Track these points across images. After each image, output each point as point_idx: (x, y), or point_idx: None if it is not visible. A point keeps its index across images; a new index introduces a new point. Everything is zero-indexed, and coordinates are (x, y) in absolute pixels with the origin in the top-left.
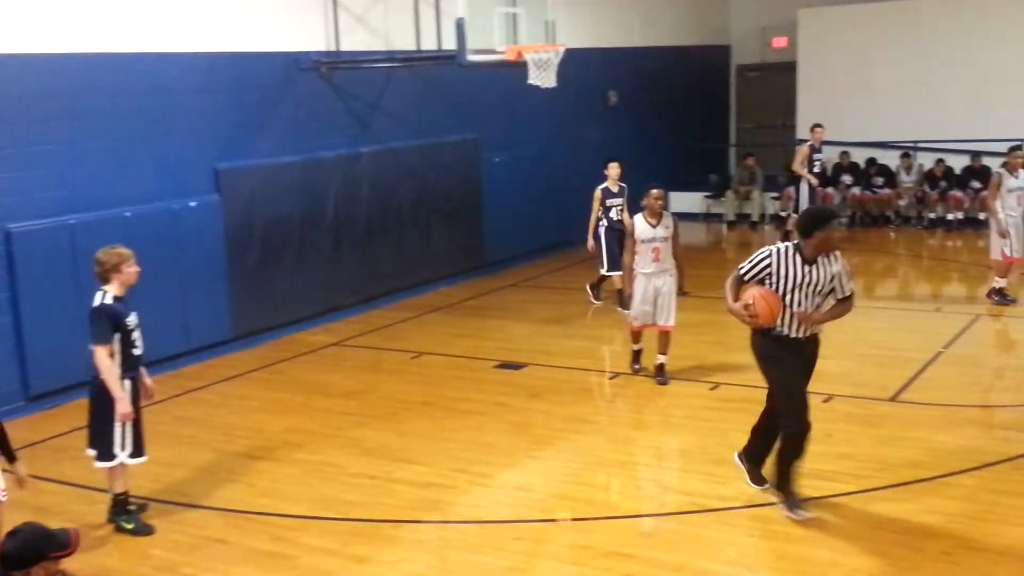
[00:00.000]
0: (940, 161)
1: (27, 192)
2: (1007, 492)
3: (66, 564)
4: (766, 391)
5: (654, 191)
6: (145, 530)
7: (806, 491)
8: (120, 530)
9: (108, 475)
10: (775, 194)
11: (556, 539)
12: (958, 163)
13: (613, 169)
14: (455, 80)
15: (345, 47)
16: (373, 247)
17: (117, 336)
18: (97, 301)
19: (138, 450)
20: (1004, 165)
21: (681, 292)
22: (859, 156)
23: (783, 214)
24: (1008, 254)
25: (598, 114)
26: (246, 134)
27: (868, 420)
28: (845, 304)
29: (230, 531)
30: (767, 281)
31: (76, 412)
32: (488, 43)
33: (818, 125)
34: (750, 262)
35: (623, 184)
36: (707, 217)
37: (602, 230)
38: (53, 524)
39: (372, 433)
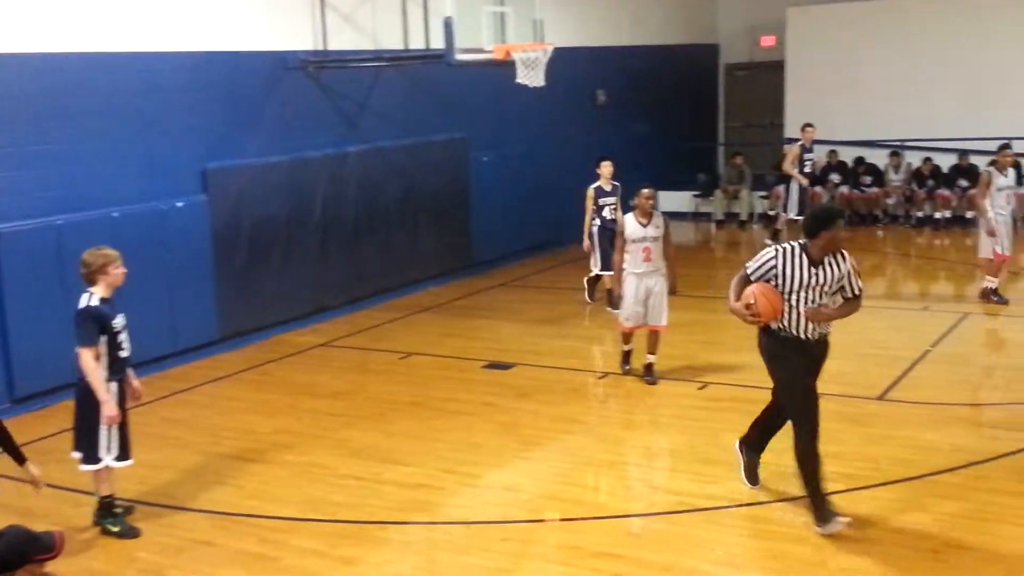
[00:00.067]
0: (928, 160)
1: (13, 192)
2: (995, 490)
3: (51, 567)
4: (772, 388)
5: (645, 191)
6: (131, 533)
7: (792, 490)
8: (106, 533)
9: (94, 478)
10: (763, 193)
11: (544, 539)
12: (946, 162)
13: (606, 168)
14: (443, 79)
15: (333, 46)
16: (361, 247)
17: (104, 338)
18: (83, 303)
19: (124, 453)
20: (993, 164)
21: (671, 292)
22: (847, 155)
23: (771, 213)
24: (999, 252)
25: (586, 113)
26: (233, 134)
27: (856, 419)
28: (855, 303)
29: (217, 533)
30: (773, 282)
31: (62, 414)
32: (476, 42)
33: (809, 125)
34: (756, 262)
35: (616, 183)
36: (695, 216)
37: (595, 229)
38: (38, 527)
39: (360, 434)
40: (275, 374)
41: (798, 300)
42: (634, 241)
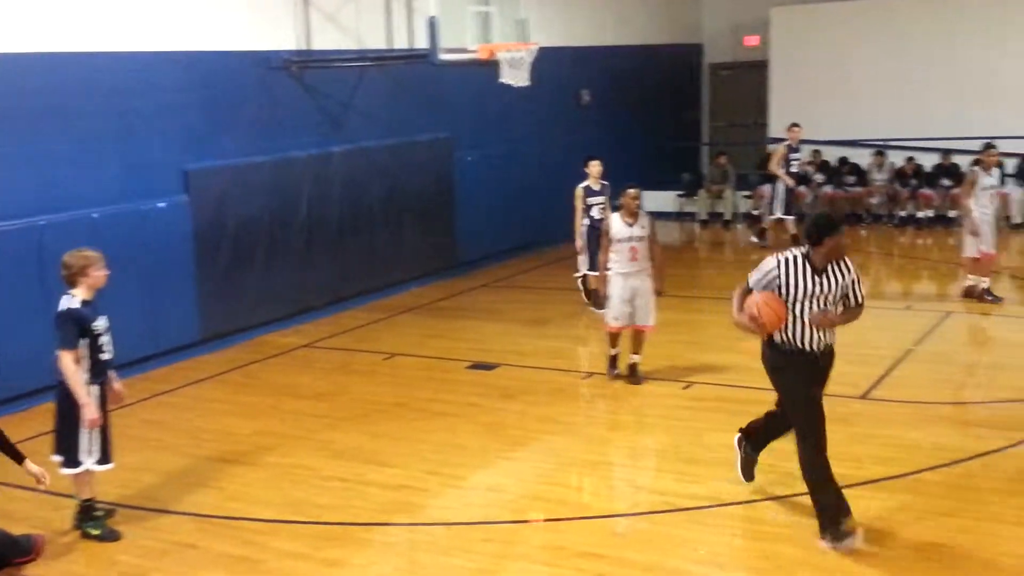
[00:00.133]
0: (911, 159)
1: None
2: (978, 488)
3: (30, 570)
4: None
5: (631, 191)
6: (112, 536)
7: (776, 488)
8: (86, 536)
9: (74, 481)
10: (747, 193)
11: (528, 540)
12: (929, 161)
13: (594, 167)
14: (427, 79)
15: (316, 46)
16: (344, 248)
17: (85, 341)
18: (63, 305)
19: (105, 457)
20: (978, 163)
21: (658, 293)
22: (831, 154)
23: (755, 213)
24: (985, 251)
25: (570, 113)
26: (215, 134)
27: (840, 417)
28: (857, 310)
29: (199, 536)
30: (776, 292)
31: (43, 416)
32: (460, 42)
33: (795, 124)
34: (757, 273)
35: (605, 182)
36: (679, 216)
37: (584, 229)
38: (17, 530)
39: (343, 435)
40: (258, 375)
41: (802, 310)
42: (620, 241)
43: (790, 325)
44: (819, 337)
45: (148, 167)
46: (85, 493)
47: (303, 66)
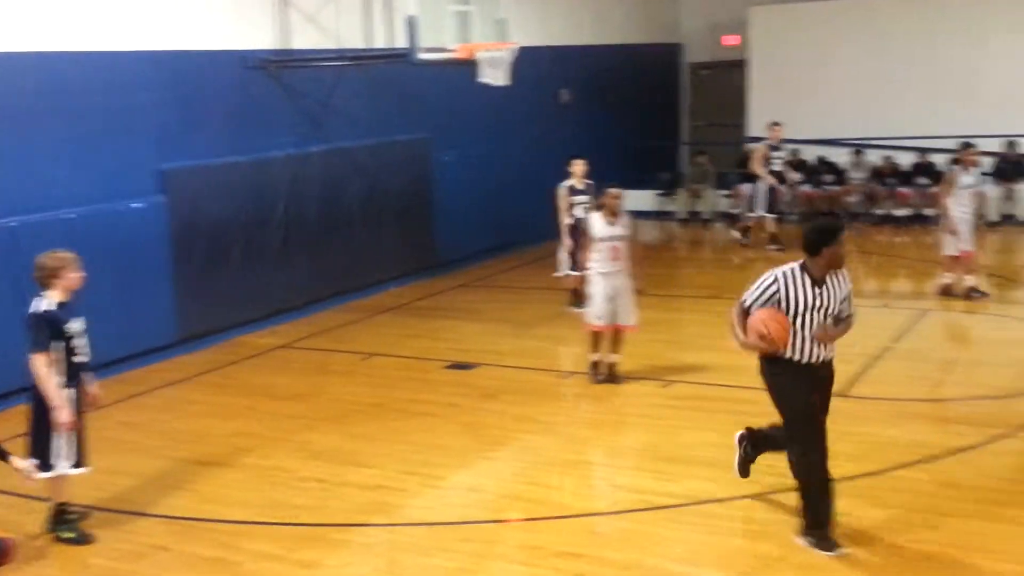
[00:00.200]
0: (888, 158)
1: None
2: (954, 485)
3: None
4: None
5: (612, 190)
6: (85, 539)
7: (753, 487)
8: (60, 540)
9: (48, 485)
10: (727, 192)
11: (506, 540)
12: (906, 160)
13: (578, 166)
14: (406, 79)
15: (294, 45)
16: (322, 248)
17: (59, 344)
18: (35, 307)
19: (80, 460)
20: (957, 162)
21: (638, 292)
22: (809, 153)
23: (735, 212)
24: (965, 249)
25: (550, 113)
26: (192, 134)
27: None
28: (848, 322)
29: (174, 539)
30: (775, 308)
31: (18, 418)
32: (439, 41)
33: (776, 123)
34: (756, 289)
35: (590, 181)
36: (659, 215)
37: (568, 227)
38: None
39: (321, 436)
40: (235, 376)
41: (803, 324)
42: (602, 240)
43: (790, 339)
44: (819, 352)
45: (125, 167)
46: (59, 497)
47: (281, 66)
